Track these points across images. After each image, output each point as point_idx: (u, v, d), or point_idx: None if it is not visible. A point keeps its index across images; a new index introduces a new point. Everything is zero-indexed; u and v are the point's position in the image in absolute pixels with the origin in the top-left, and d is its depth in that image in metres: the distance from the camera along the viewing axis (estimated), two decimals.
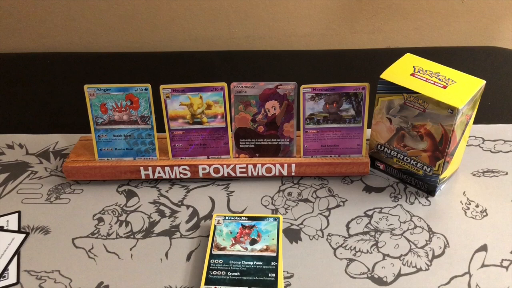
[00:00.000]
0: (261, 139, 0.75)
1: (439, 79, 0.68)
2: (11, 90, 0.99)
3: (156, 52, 1.11)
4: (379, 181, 0.77)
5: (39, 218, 0.72)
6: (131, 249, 0.67)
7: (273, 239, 0.65)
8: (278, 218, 0.68)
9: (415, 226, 0.69)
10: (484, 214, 0.71)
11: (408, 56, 0.73)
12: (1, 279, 0.63)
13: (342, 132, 0.74)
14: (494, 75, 0.99)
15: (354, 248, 0.67)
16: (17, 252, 0.67)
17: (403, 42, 1.15)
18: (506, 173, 0.77)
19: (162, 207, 0.73)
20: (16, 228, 0.70)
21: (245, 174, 0.76)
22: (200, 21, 1.11)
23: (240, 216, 0.68)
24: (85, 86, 0.73)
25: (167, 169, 0.75)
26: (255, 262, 0.62)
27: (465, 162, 0.79)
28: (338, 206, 0.73)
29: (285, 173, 0.76)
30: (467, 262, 0.64)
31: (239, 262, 0.62)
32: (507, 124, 0.86)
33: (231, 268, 0.62)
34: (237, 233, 0.66)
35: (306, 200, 0.74)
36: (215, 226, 0.67)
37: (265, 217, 0.68)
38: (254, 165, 0.75)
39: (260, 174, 0.76)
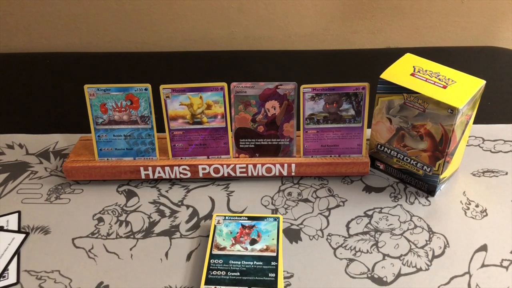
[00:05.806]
0: (261, 139, 0.75)
1: (439, 79, 0.68)
2: (11, 90, 0.99)
3: (156, 52, 1.11)
4: (379, 181, 0.77)
5: (39, 218, 0.72)
6: (131, 249, 0.67)
7: (273, 239, 0.65)
8: (278, 218, 0.68)
9: (415, 226, 0.69)
10: (484, 214, 0.71)
11: (408, 56, 0.73)
12: (1, 279, 0.63)
13: (342, 132, 0.74)
14: (494, 75, 0.99)
15: (354, 248, 0.67)
16: (17, 252, 0.67)
17: (403, 42, 1.15)
18: (506, 173, 0.77)
19: (162, 207, 0.73)
20: (16, 228, 0.70)
21: (245, 174, 0.76)
22: (200, 21, 1.11)
23: (240, 216, 0.68)
24: (85, 86, 0.73)
25: (167, 169, 0.75)
26: (255, 262, 0.62)
27: (465, 162, 0.79)
28: (338, 206, 0.73)
29: (285, 173, 0.76)
30: (467, 262, 0.64)
31: (239, 262, 0.62)
32: (507, 124, 0.86)
33: (231, 268, 0.62)
34: (237, 233, 0.66)
35: (306, 200, 0.74)
36: (215, 226, 0.67)
37: (265, 217, 0.68)
38: (254, 165, 0.75)
39: (260, 174, 0.76)
